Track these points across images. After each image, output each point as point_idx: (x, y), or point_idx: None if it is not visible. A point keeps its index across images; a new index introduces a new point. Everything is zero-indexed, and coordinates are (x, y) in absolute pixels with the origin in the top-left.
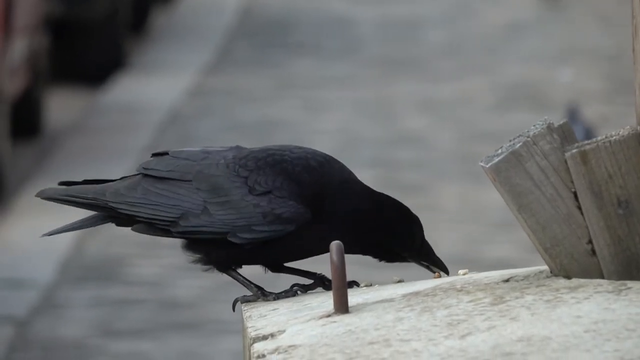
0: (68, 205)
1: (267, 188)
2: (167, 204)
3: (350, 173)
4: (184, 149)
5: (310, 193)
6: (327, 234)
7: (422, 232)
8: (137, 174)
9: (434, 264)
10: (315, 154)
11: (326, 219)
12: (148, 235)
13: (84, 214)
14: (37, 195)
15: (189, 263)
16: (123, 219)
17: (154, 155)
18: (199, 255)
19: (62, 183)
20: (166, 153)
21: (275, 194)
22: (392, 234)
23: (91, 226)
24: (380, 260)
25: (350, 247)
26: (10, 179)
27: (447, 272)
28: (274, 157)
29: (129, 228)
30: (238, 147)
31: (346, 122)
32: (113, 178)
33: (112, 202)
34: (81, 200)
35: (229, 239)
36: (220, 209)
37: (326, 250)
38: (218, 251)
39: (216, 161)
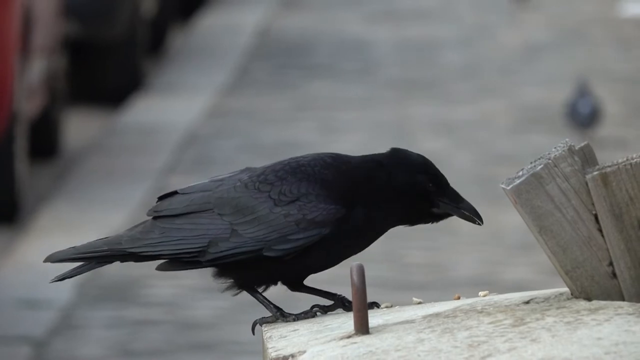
0: (80, 262)
1: (294, 196)
2: (190, 235)
3: (357, 157)
4: (193, 185)
5: (337, 189)
6: (362, 223)
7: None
8: (147, 220)
9: (468, 209)
10: (325, 154)
11: (358, 206)
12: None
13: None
14: (46, 260)
15: (222, 291)
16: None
17: (161, 198)
18: (231, 281)
19: (65, 249)
20: (174, 193)
21: (303, 200)
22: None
23: (99, 266)
24: (417, 222)
25: (386, 223)
26: (28, 199)
27: (481, 220)
28: (290, 165)
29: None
30: (248, 169)
31: (363, 143)
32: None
33: (131, 249)
34: (95, 254)
35: (265, 254)
36: (249, 227)
37: (370, 241)
38: (250, 272)
39: (232, 185)
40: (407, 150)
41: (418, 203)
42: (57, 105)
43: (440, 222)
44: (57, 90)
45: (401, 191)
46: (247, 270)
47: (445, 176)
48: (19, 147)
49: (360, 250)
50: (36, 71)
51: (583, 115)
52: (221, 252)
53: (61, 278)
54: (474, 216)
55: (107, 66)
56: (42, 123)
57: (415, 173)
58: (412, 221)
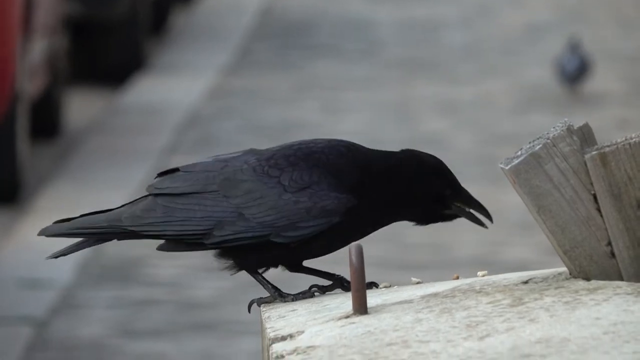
0: (77, 237)
1: (305, 183)
2: (195, 217)
3: (370, 150)
4: (196, 163)
5: (350, 178)
6: (369, 215)
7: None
8: (146, 196)
9: (479, 208)
10: (339, 142)
11: (368, 199)
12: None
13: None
14: (40, 234)
15: (221, 269)
16: (145, 238)
17: (161, 174)
18: (232, 261)
19: (58, 221)
20: (175, 170)
21: (314, 187)
22: (423, 182)
23: (96, 244)
24: (428, 222)
25: (394, 216)
26: (29, 179)
27: (491, 219)
28: (302, 150)
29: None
30: (253, 150)
31: (366, 123)
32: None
33: (132, 227)
34: (93, 230)
35: (272, 239)
36: (257, 211)
37: (369, 231)
38: (254, 255)
39: (239, 167)
40: (420, 152)
41: (433, 206)
42: (59, 85)
43: (449, 221)
44: (58, 70)
45: (419, 195)
46: (250, 254)
47: (448, 157)
48: (21, 127)
49: (358, 239)
50: (38, 51)
51: (570, 71)
52: (227, 235)
53: (57, 255)
54: (485, 216)
55: (109, 46)
56: (44, 103)
57: (433, 178)
58: (422, 221)
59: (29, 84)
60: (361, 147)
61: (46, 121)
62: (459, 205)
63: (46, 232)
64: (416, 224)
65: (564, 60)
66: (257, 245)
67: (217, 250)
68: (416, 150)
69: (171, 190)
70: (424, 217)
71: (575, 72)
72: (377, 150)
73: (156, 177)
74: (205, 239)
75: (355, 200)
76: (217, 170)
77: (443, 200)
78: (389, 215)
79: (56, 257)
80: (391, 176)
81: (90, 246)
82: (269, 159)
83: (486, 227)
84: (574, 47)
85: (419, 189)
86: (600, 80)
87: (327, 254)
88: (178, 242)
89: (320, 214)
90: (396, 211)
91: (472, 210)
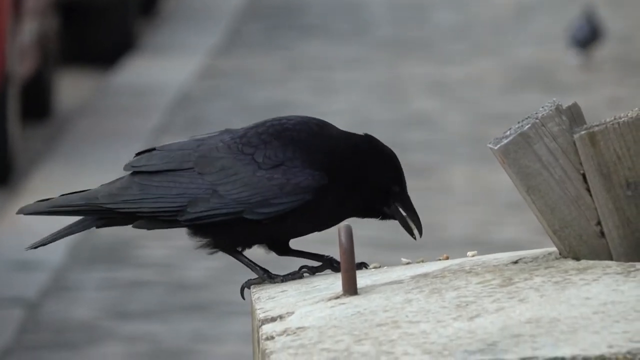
0: (55, 215)
1: (279, 160)
2: (169, 194)
3: (338, 130)
4: (172, 142)
5: (321, 157)
6: (339, 195)
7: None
8: (124, 175)
9: (414, 217)
10: (311, 119)
11: (337, 179)
12: None
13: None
14: (19, 212)
15: (196, 248)
16: (118, 219)
17: (139, 154)
18: (207, 240)
19: (38, 201)
20: (152, 149)
21: (287, 164)
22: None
23: (79, 231)
24: (366, 215)
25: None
26: (21, 160)
27: (420, 232)
28: (275, 128)
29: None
30: (229, 130)
31: (356, 103)
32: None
33: (109, 204)
34: (71, 208)
35: (245, 216)
36: (232, 188)
37: (340, 219)
38: (228, 233)
39: (214, 145)
40: (379, 141)
41: (377, 198)
42: (50, 67)
43: (383, 220)
44: (49, 52)
45: (369, 182)
46: (224, 232)
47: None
48: (12, 109)
49: (323, 228)
50: (28, 33)
51: (581, 38)
52: (201, 212)
53: (37, 245)
54: (416, 229)
55: (100, 27)
56: (35, 84)
57: (386, 169)
58: (363, 212)
59: (20, 65)
60: (331, 126)
61: (37, 103)
62: (398, 206)
63: (25, 211)
64: (357, 216)
65: (576, 28)
66: (230, 222)
67: (190, 229)
68: (375, 138)
69: (147, 168)
70: (365, 209)
71: (586, 39)
72: (344, 131)
73: (135, 157)
74: (179, 215)
75: (327, 178)
76: (192, 148)
77: (387, 197)
78: (352, 200)
79: (35, 248)
80: (351, 158)
81: (70, 234)
82: (242, 137)
83: (414, 239)
84: (589, 16)
85: (371, 175)
86: (591, 60)
87: (301, 234)
88: (152, 219)
89: (293, 190)
90: (356, 196)
91: (407, 217)
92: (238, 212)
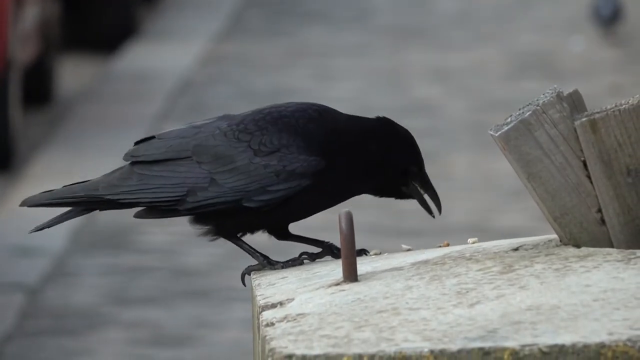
0: (57, 207)
1: (274, 147)
2: (168, 184)
3: (345, 115)
4: (171, 130)
5: (319, 142)
6: (339, 179)
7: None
8: (124, 165)
9: (434, 196)
10: (310, 105)
11: (337, 163)
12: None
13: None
14: (22, 204)
15: (198, 236)
16: (119, 208)
17: (138, 142)
18: (208, 227)
19: (44, 192)
20: (152, 137)
21: (283, 151)
22: (396, 152)
23: (80, 215)
24: (384, 195)
25: (361, 185)
26: (22, 146)
27: (440, 210)
28: (272, 115)
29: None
30: (227, 116)
31: (358, 90)
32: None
33: (109, 195)
34: (72, 199)
35: (244, 204)
36: (229, 176)
37: (343, 199)
38: (229, 220)
39: (211, 132)
40: (396, 124)
41: (395, 179)
42: (51, 52)
43: (401, 199)
44: (50, 37)
45: (386, 164)
46: (224, 219)
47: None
48: (13, 94)
49: (332, 205)
50: (30, 18)
51: (605, 15)
52: (199, 201)
53: (40, 228)
54: (436, 207)
55: (101, 13)
56: (36, 70)
57: (405, 150)
58: (381, 192)
59: (22, 51)
60: (335, 111)
61: (38, 88)
62: (417, 186)
63: (28, 202)
64: (375, 195)
65: (599, 4)
66: (230, 210)
67: (192, 216)
68: (393, 121)
69: (146, 157)
70: (383, 189)
71: (610, 16)
72: (354, 116)
73: (134, 146)
74: (179, 205)
75: (324, 162)
76: (190, 136)
77: (405, 177)
78: (358, 182)
79: (40, 230)
80: (364, 141)
81: (72, 217)
82: (239, 124)
83: (433, 217)
84: None
85: (390, 157)
86: (593, 46)
87: (303, 217)
88: (153, 209)
89: (289, 177)
90: (363, 178)
91: (426, 196)
92: (237, 201)
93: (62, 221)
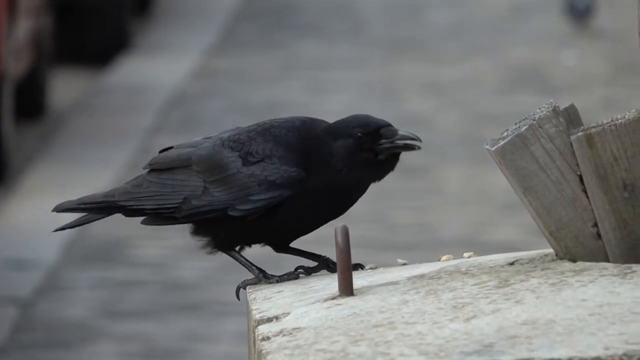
0: (83, 212)
1: (260, 157)
2: (169, 192)
3: (325, 124)
4: (187, 141)
5: (297, 152)
6: (323, 189)
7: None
8: (143, 173)
9: (404, 136)
10: (298, 117)
11: (316, 171)
12: None
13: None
14: (54, 210)
15: (198, 248)
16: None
17: (161, 152)
18: (206, 239)
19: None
20: (170, 147)
21: (267, 161)
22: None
23: (98, 218)
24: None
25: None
26: (14, 159)
27: (419, 140)
28: (263, 126)
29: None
30: (237, 128)
31: (351, 103)
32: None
33: (121, 201)
34: (94, 205)
35: (229, 213)
36: (219, 186)
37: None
38: (223, 231)
39: (214, 142)
40: (357, 114)
41: (361, 156)
42: (44, 65)
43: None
44: (43, 50)
45: (344, 151)
46: (218, 229)
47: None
48: (6, 107)
49: (334, 217)
50: (23, 31)
51: (579, 9)
52: (192, 209)
53: (62, 228)
54: (411, 142)
55: (94, 26)
56: (29, 83)
57: (346, 129)
58: (373, 176)
59: (14, 64)
60: (321, 121)
61: (31, 101)
62: (383, 143)
63: (58, 208)
64: (375, 181)
65: (574, 1)
66: (221, 219)
67: (191, 227)
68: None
69: (157, 166)
70: (368, 170)
71: (584, 9)
72: (332, 123)
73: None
74: (177, 212)
75: (304, 173)
76: (198, 146)
77: (366, 146)
78: (344, 181)
79: (63, 230)
80: (325, 141)
81: (91, 221)
82: (235, 135)
83: (419, 148)
84: None
85: (339, 143)
86: (586, 61)
87: (302, 229)
88: (156, 216)
89: (270, 187)
90: (340, 176)
91: (400, 141)
92: (223, 209)
93: (83, 224)
